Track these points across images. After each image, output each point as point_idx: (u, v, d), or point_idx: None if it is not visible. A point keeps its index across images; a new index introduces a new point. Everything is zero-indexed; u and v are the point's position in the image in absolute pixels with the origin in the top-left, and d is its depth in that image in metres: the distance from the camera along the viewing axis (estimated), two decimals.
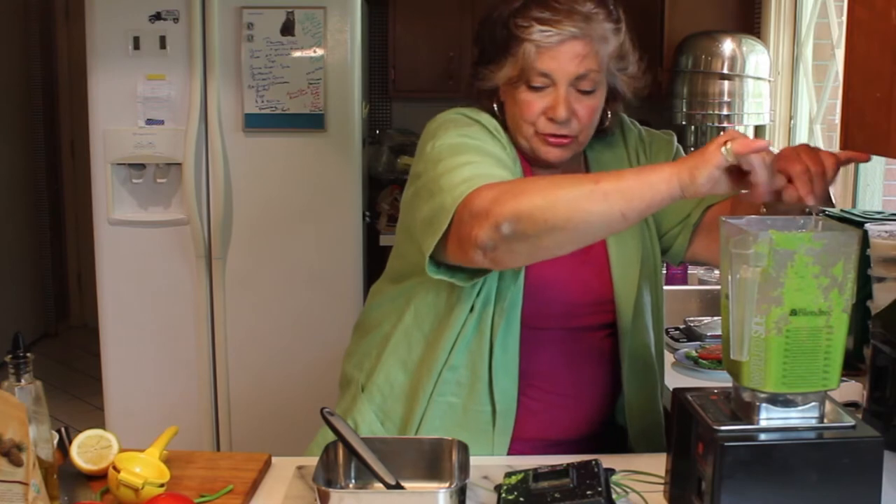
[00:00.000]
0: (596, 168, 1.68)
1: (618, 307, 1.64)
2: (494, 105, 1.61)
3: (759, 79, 3.25)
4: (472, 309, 1.57)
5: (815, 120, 3.15)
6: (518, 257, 1.41)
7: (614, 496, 1.34)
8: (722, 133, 1.33)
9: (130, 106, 3.31)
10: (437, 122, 1.60)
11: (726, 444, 1.24)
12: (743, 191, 1.31)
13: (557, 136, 1.55)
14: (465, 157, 1.48)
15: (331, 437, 1.41)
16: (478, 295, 1.57)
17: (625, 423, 1.69)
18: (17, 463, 1.20)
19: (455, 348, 1.59)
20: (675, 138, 1.76)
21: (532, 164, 1.63)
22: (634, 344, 1.66)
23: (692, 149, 3.37)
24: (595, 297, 1.64)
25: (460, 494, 1.29)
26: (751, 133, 3.34)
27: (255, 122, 3.33)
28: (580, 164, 1.69)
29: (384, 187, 4.44)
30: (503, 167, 1.50)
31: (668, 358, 2.19)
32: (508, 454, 1.60)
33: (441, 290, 1.59)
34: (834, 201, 1.46)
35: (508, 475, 1.39)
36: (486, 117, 1.60)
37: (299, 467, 1.52)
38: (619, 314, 1.64)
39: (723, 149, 1.24)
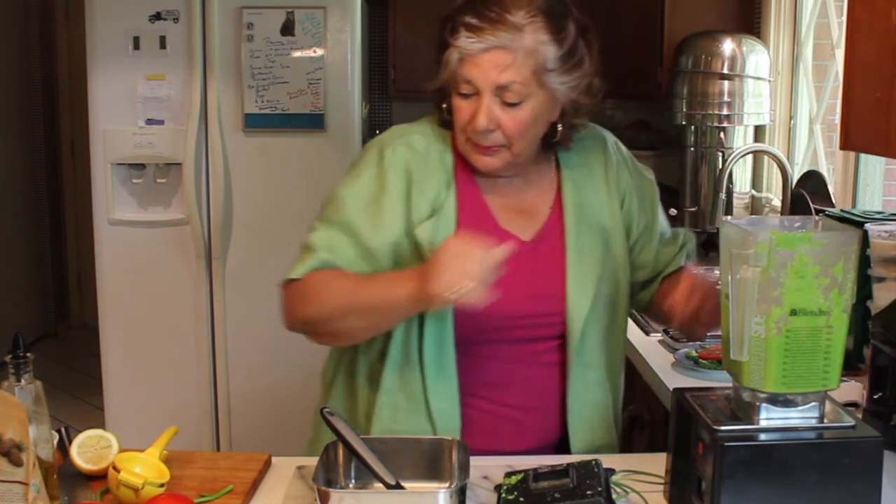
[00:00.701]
0: (567, 174, 1.65)
1: (568, 320, 1.60)
2: (445, 105, 1.60)
3: (759, 79, 3.24)
4: (389, 334, 1.57)
5: (815, 120, 3.15)
6: (330, 341, 1.60)
7: (614, 496, 1.34)
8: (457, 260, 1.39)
9: (130, 106, 3.31)
10: (363, 151, 1.66)
11: (726, 444, 1.24)
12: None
13: (483, 145, 1.53)
14: (330, 220, 1.59)
15: (326, 436, 1.41)
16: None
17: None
18: (17, 463, 1.20)
19: (384, 373, 1.58)
20: (655, 179, 1.77)
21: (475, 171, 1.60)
22: (583, 359, 1.62)
23: (691, 149, 3.37)
24: (542, 310, 1.60)
25: (460, 494, 1.29)
26: (750, 134, 3.33)
27: (255, 122, 3.32)
28: (551, 165, 1.66)
29: None
30: (351, 245, 1.56)
31: (668, 358, 2.19)
32: None
33: None
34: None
35: (508, 475, 1.39)
36: (399, 152, 1.58)
37: (299, 467, 1.52)
38: (569, 327, 1.60)
39: (452, 295, 1.37)
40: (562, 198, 1.64)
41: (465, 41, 1.48)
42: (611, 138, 1.73)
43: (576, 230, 1.62)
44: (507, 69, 1.47)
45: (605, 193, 1.66)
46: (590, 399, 1.64)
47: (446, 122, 1.61)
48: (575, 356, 1.61)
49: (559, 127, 1.59)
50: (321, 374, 1.77)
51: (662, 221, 1.75)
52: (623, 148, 1.74)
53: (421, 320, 1.55)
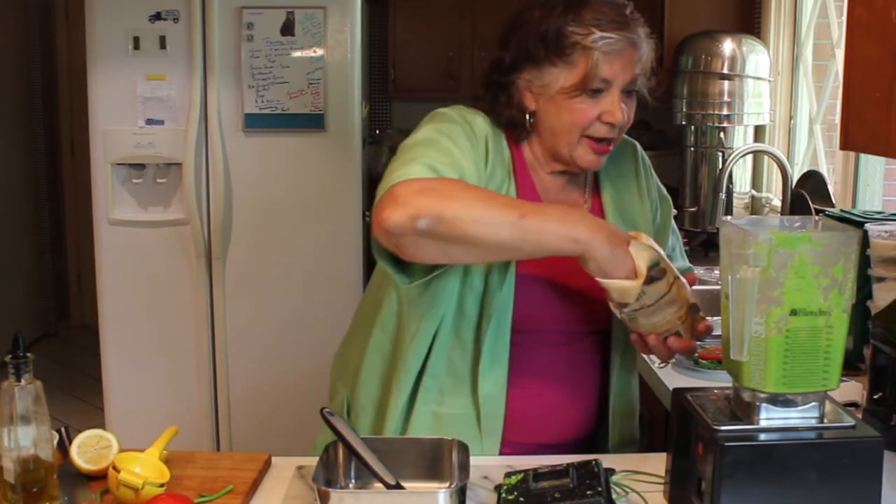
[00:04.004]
0: (605, 178, 1.69)
1: (615, 316, 1.61)
2: (527, 116, 1.59)
3: (759, 79, 3.25)
4: (439, 317, 1.57)
5: (815, 120, 3.15)
6: (420, 253, 1.42)
7: (614, 496, 1.34)
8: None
9: (130, 106, 3.31)
10: (431, 114, 1.62)
11: (726, 444, 1.24)
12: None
13: (606, 139, 1.57)
14: (428, 151, 1.48)
15: (331, 437, 1.41)
16: (459, 300, 1.57)
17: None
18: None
19: (431, 357, 1.59)
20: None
21: (536, 172, 1.62)
22: (624, 352, 1.66)
23: (691, 149, 3.37)
24: (592, 305, 1.61)
25: (460, 494, 1.29)
26: (750, 134, 3.34)
27: (255, 122, 3.32)
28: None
29: None
30: (456, 170, 1.48)
31: None
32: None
33: (403, 300, 1.59)
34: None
35: (508, 475, 1.39)
36: (479, 121, 1.59)
37: (299, 467, 1.52)
38: (615, 323, 1.63)
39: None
40: (601, 200, 1.68)
41: (605, 42, 1.52)
42: (639, 147, 1.78)
43: None
44: (636, 63, 1.56)
45: (637, 197, 1.72)
46: (625, 391, 1.69)
47: (523, 134, 1.62)
48: (615, 352, 1.66)
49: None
50: (332, 369, 1.77)
51: (673, 241, 1.80)
52: (647, 158, 1.79)
53: (482, 305, 1.57)
